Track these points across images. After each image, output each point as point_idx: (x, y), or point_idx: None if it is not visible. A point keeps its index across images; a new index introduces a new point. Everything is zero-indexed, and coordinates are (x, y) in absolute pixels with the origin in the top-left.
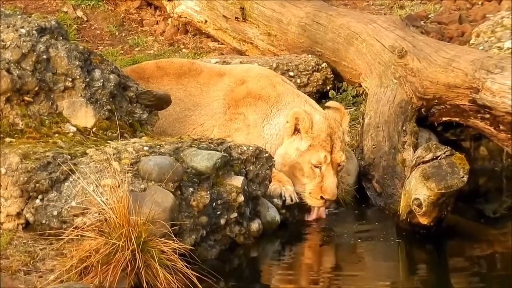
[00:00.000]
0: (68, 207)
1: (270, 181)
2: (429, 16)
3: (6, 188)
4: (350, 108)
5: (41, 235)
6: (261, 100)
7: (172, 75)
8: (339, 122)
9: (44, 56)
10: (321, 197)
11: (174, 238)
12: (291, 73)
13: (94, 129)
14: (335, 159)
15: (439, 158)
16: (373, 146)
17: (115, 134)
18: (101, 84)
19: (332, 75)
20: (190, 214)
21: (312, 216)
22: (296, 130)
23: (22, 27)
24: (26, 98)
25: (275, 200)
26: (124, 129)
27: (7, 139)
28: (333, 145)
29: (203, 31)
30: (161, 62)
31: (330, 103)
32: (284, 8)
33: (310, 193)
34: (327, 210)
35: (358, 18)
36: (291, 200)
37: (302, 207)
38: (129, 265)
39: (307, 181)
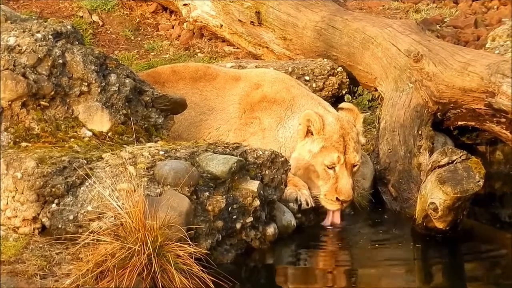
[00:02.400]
0: (84, 212)
1: (285, 185)
2: (445, 20)
3: (22, 193)
4: (366, 112)
5: (57, 240)
6: (276, 104)
7: (188, 80)
8: (352, 123)
9: (60, 61)
10: (337, 199)
11: (190, 242)
12: (307, 77)
13: (109, 134)
14: (349, 159)
15: (454, 162)
16: (389, 150)
17: (131, 139)
18: (116, 89)
19: (347, 79)
20: (206, 218)
21: (327, 221)
22: (309, 132)
23: (38, 32)
24: (42, 102)
25: (291, 204)
26: (139, 134)
27: (23, 144)
28: (346, 146)
29: (219, 36)
30: (177, 67)
31: (343, 105)
32: (300, 13)
33: (325, 195)
34: (342, 222)
35: (373, 22)
36: (307, 204)
37: (318, 212)
38: (145, 269)
39: (321, 183)
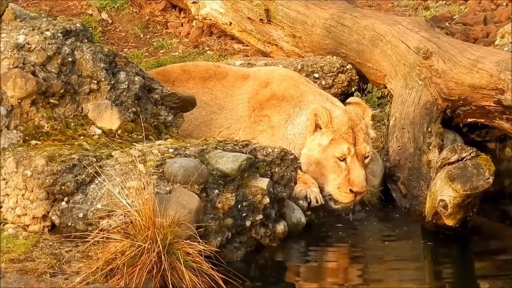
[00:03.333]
0: (94, 209)
1: (295, 183)
2: (454, 17)
3: (32, 191)
4: (375, 110)
5: (67, 237)
6: (284, 101)
7: (198, 79)
8: (360, 116)
9: (69, 59)
10: (350, 191)
11: (200, 240)
12: (316, 75)
13: (119, 131)
14: (360, 150)
15: (464, 159)
16: (399, 148)
17: (140, 136)
18: (126, 87)
19: (357, 77)
20: (216, 216)
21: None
22: (317, 127)
23: (47, 30)
24: (51, 100)
25: (301, 201)
26: (149, 131)
27: (33, 142)
28: (355, 137)
29: (228, 33)
30: (187, 66)
31: (350, 99)
32: (309, 10)
33: (338, 188)
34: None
35: (382, 20)
36: (317, 201)
37: (328, 210)
38: (154, 267)
39: (334, 177)
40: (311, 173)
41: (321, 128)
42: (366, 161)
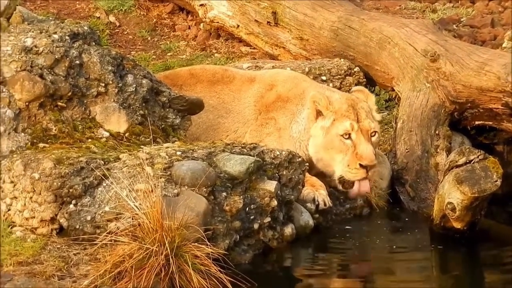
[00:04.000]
0: (102, 212)
1: (303, 186)
2: (461, 19)
3: (40, 193)
4: (383, 112)
5: (74, 240)
6: (289, 102)
7: (206, 83)
8: (362, 99)
9: (77, 62)
10: (360, 166)
11: (208, 242)
12: (324, 78)
13: (127, 134)
14: (364, 126)
15: (472, 162)
16: (406, 150)
17: (148, 139)
18: (133, 89)
19: (364, 79)
20: (223, 218)
21: (355, 189)
22: (319, 114)
23: (55, 33)
24: (59, 103)
25: (308, 204)
26: (157, 134)
27: (41, 145)
28: (357, 114)
29: (235, 36)
30: (194, 69)
31: (353, 88)
32: (316, 13)
33: (348, 165)
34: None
35: (390, 22)
36: (325, 204)
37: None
38: (162, 270)
39: (342, 157)
40: (321, 160)
41: (322, 114)
42: (374, 139)
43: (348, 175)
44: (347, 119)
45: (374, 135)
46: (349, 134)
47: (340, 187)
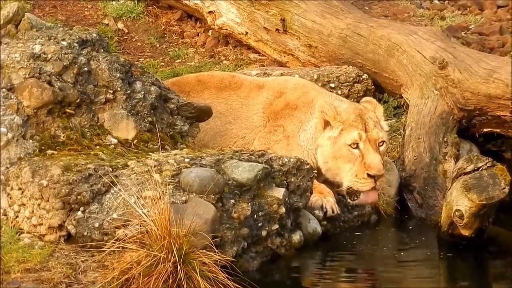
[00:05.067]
0: (110, 219)
1: (311, 193)
2: (470, 27)
3: (48, 200)
4: (391, 120)
5: (82, 247)
6: (297, 110)
7: (213, 89)
8: (370, 109)
9: (86, 68)
10: (368, 175)
11: (216, 249)
12: (332, 85)
13: (135, 141)
14: (372, 136)
15: (480, 169)
16: (414, 158)
17: (156, 146)
18: (142, 96)
19: (373, 87)
20: (231, 225)
21: (362, 200)
22: (326, 124)
23: (64, 40)
24: (67, 110)
25: (316, 211)
26: (165, 141)
27: (49, 151)
28: (365, 124)
29: (244, 43)
30: (202, 76)
31: (362, 100)
32: (325, 20)
33: (356, 175)
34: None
35: (398, 30)
36: (333, 211)
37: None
38: (170, 277)
39: (350, 167)
40: (329, 170)
41: (330, 124)
42: (382, 148)
43: (356, 185)
44: (355, 128)
45: (382, 144)
46: (357, 144)
47: (348, 198)
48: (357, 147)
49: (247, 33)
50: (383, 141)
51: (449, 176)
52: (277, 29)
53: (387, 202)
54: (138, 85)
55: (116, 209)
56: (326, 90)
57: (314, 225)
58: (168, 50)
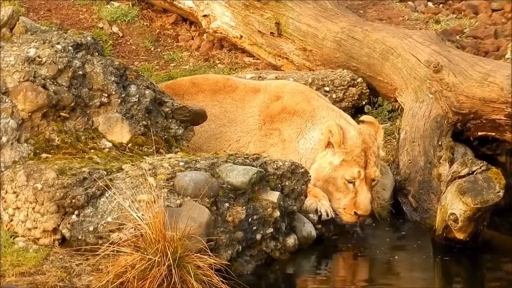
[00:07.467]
0: (104, 223)
1: (305, 196)
2: (465, 30)
3: (43, 204)
4: (386, 123)
5: (77, 251)
6: (296, 115)
7: (207, 92)
8: (374, 137)
9: (80, 72)
10: (355, 213)
11: (210, 253)
12: (327, 88)
13: (129, 145)
14: (369, 174)
15: (475, 173)
16: (409, 161)
17: (151, 150)
18: (136, 100)
19: (367, 90)
20: (226, 229)
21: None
22: (329, 144)
23: (58, 43)
24: (62, 113)
25: (311, 215)
26: (159, 145)
27: (43, 155)
28: (367, 161)
29: (239, 46)
30: (196, 79)
31: (364, 118)
32: (320, 23)
33: (344, 208)
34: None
35: (393, 33)
36: (327, 215)
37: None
38: (165, 280)
39: (340, 196)
40: (318, 188)
41: (333, 146)
42: (374, 183)
43: (341, 216)
44: (357, 166)
45: (376, 182)
46: (354, 182)
47: (337, 219)
48: (353, 182)
49: (241, 36)
50: (378, 180)
51: (443, 180)
52: (271, 33)
53: (382, 205)
54: (132, 88)
55: (111, 212)
56: (325, 98)
57: (308, 229)
58: (163, 53)
